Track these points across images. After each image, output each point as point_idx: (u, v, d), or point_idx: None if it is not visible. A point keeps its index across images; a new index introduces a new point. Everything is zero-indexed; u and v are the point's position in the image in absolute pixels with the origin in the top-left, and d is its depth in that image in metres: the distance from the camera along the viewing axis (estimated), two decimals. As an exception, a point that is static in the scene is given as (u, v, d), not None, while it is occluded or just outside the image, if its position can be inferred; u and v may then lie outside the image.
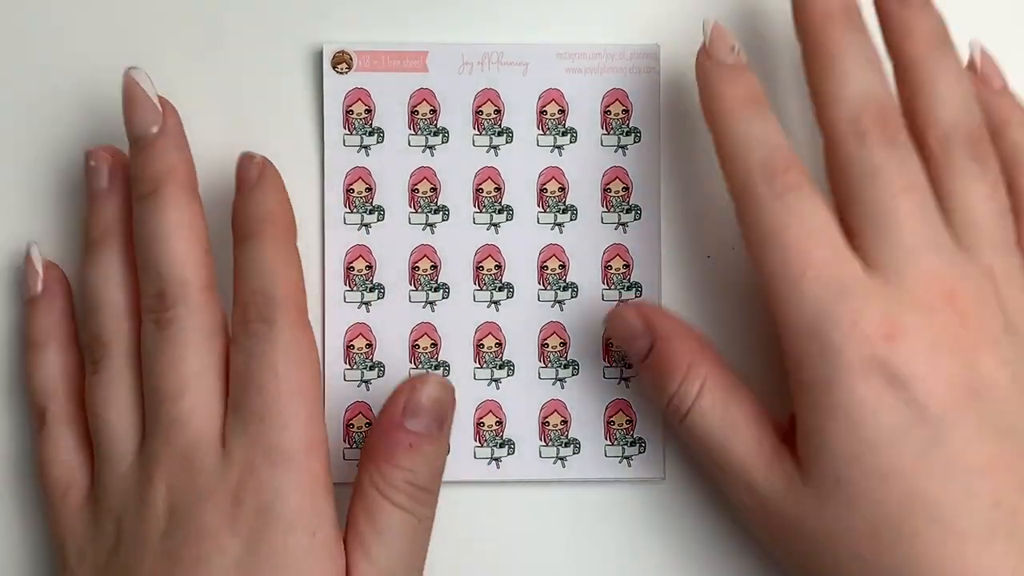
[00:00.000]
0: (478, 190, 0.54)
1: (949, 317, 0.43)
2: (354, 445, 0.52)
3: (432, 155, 0.54)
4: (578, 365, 0.54)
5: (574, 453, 0.53)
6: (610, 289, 0.53)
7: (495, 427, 0.53)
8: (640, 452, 0.53)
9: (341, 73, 0.53)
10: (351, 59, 0.53)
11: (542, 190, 0.54)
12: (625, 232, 0.54)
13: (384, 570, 0.46)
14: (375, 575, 0.45)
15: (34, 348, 0.50)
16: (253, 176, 0.48)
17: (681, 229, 0.55)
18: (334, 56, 0.53)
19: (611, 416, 0.53)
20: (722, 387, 0.47)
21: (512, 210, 0.54)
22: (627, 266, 0.54)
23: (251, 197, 0.48)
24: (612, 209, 0.54)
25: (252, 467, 0.45)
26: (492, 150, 0.54)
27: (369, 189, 0.53)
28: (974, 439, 0.42)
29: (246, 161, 0.49)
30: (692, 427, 0.47)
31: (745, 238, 0.46)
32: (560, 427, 0.53)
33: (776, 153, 0.45)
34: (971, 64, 0.50)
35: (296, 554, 0.44)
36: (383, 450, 0.46)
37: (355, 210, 0.53)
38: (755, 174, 0.45)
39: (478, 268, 0.54)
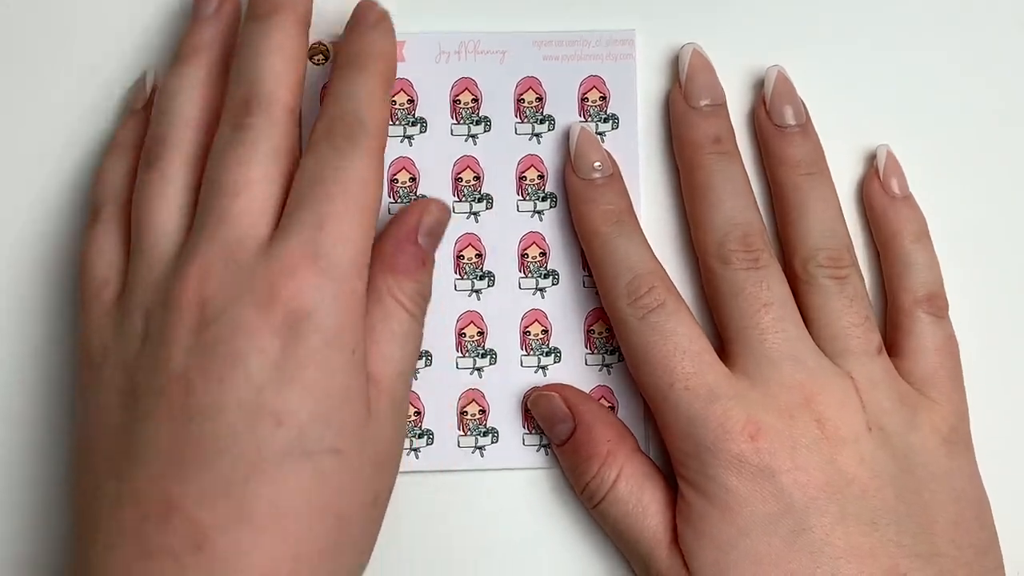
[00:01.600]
0: (457, 179, 0.54)
1: (808, 419, 0.47)
2: None
3: (411, 145, 0.54)
4: (560, 352, 0.53)
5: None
6: (590, 274, 0.53)
7: (478, 416, 0.53)
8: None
9: (317, 64, 0.53)
10: (327, 50, 0.53)
11: (521, 178, 0.54)
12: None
13: (398, 370, 0.47)
14: (391, 374, 0.46)
15: (112, 151, 0.51)
16: (371, 19, 0.49)
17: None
18: (310, 47, 0.53)
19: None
20: (638, 475, 0.50)
21: (491, 199, 0.54)
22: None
23: (367, 34, 0.49)
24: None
25: (295, 269, 0.44)
26: (470, 139, 0.54)
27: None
28: (837, 527, 0.46)
29: (367, 4, 0.49)
30: (605, 512, 0.50)
31: (623, 353, 0.50)
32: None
33: (638, 274, 0.49)
34: (875, 170, 0.53)
35: (334, 368, 0.44)
36: (401, 263, 0.47)
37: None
38: (620, 299, 0.49)
39: (458, 257, 0.54)
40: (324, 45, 0.53)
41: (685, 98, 0.52)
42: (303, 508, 0.42)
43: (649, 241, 0.52)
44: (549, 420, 0.51)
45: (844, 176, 0.54)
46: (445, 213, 0.50)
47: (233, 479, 0.42)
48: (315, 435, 0.43)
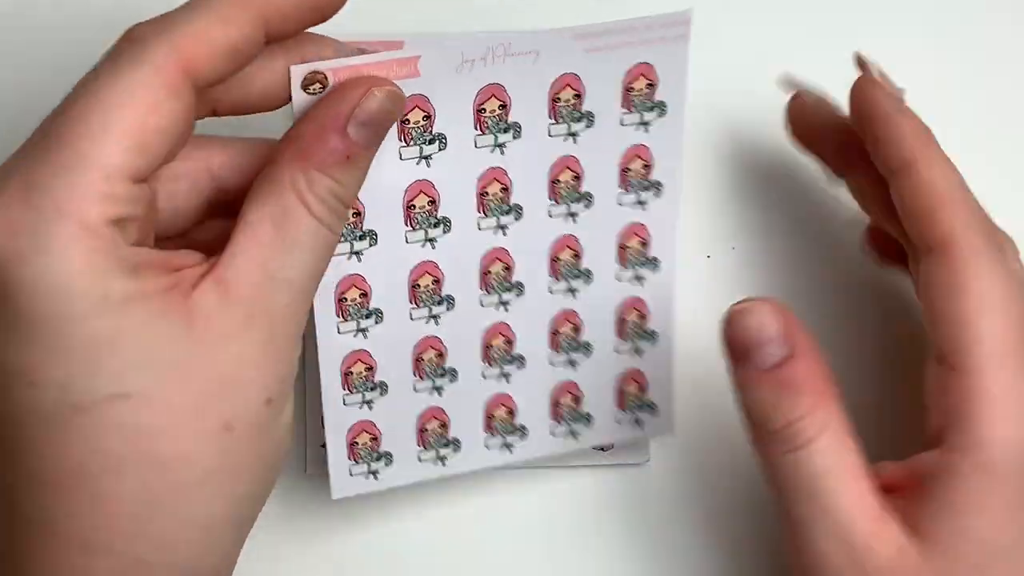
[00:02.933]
0: (483, 194, 0.46)
1: None
2: (359, 460, 0.49)
3: (428, 166, 0.45)
4: (590, 346, 0.50)
5: (586, 424, 0.51)
6: (625, 268, 0.49)
7: (506, 416, 0.50)
8: (651, 412, 0.52)
9: (313, 95, 0.42)
10: (326, 78, 0.42)
11: (554, 182, 0.47)
12: (644, 209, 0.48)
13: (283, 283, 0.40)
14: (257, 282, 0.39)
15: None
16: None
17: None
18: (305, 77, 0.42)
19: (623, 385, 0.51)
20: (844, 430, 0.42)
21: (520, 209, 0.47)
22: (644, 243, 0.48)
23: None
24: (631, 190, 0.47)
25: None
26: (497, 149, 0.46)
27: (357, 213, 0.45)
28: None
29: None
30: (799, 463, 0.42)
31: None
32: (572, 405, 0.51)
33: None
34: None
35: None
36: (317, 154, 0.40)
37: (344, 237, 0.45)
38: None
39: (486, 273, 0.47)
40: (321, 75, 0.42)
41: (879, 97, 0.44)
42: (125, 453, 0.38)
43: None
44: (757, 339, 0.42)
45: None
46: (393, 101, 0.41)
47: None
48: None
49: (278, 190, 0.40)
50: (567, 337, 0.49)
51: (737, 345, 0.42)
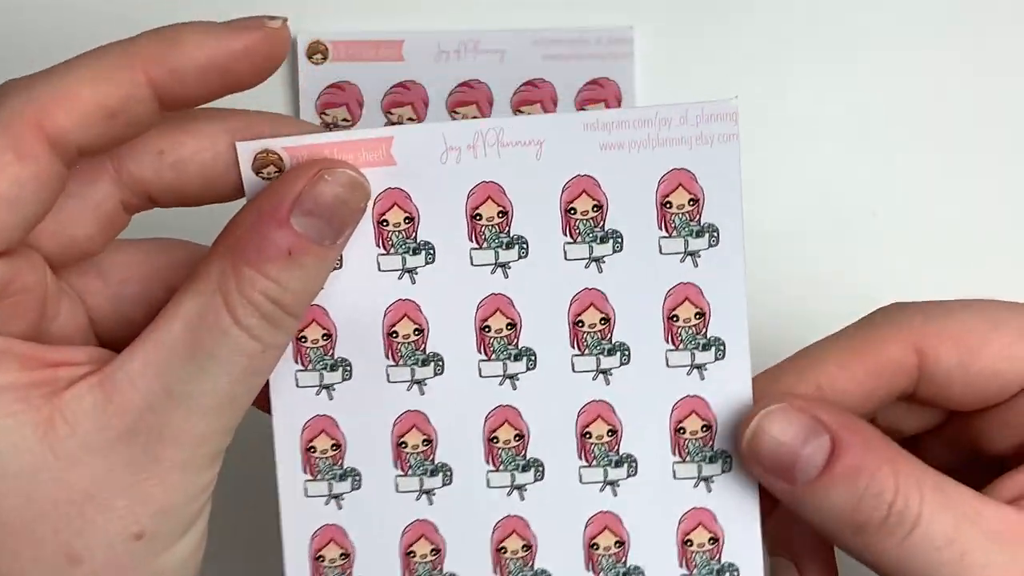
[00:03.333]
0: (483, 328, 0.37)
1: None
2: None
3: (413, 282, 0.37)
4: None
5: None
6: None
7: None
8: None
9: (267, 179, 0.36)
10: (280, 158, 0.36)
11: (576, 323, 0.37)
12: (703, 378, 0.36)
13: (183, 399, 0.33)
14: (167, 406, 0.33)
15: None
16: None
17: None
18: (256, 157, 0.36)
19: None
20: (936, 480, 0.35)
21: (534, 354, 0.37)
22: (708, 427, 0.36)
23: None
24: (681, 345, 0.36)
25: None
26: (499, 270, 0.37)
27: (328, 336, 0.37)
28: None
29: None
30: (921, 542, 0.34)
31: None
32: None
33: None
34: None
35: None
36: (251, 247, 0.33)
37: (311, 365, 0.37)
38: None
39: (491, 440, 0.37)
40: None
41: None
42: None
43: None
44: (789, 452, 0.35)
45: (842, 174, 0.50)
46: (350, 188, 0.35)
47: None
48: None
49: (201, 287, 0.34)
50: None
51: (775, 468, 0.36)
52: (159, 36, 0.34)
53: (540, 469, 0.37)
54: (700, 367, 0.37)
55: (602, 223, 0.36)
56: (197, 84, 0.34)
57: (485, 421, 0.37)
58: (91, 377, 0.34)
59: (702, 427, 0.37)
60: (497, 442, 0.37)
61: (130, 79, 0.33)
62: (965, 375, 0.36)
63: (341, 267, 0.37)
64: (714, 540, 0.37)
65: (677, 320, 0.37)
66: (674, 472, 0.37)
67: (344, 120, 0.39)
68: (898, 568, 0.35)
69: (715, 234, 0.36)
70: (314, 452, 0.37)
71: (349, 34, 0.46)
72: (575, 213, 0.36)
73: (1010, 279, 0.50)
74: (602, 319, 0.37)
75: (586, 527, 0.38)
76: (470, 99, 0.49)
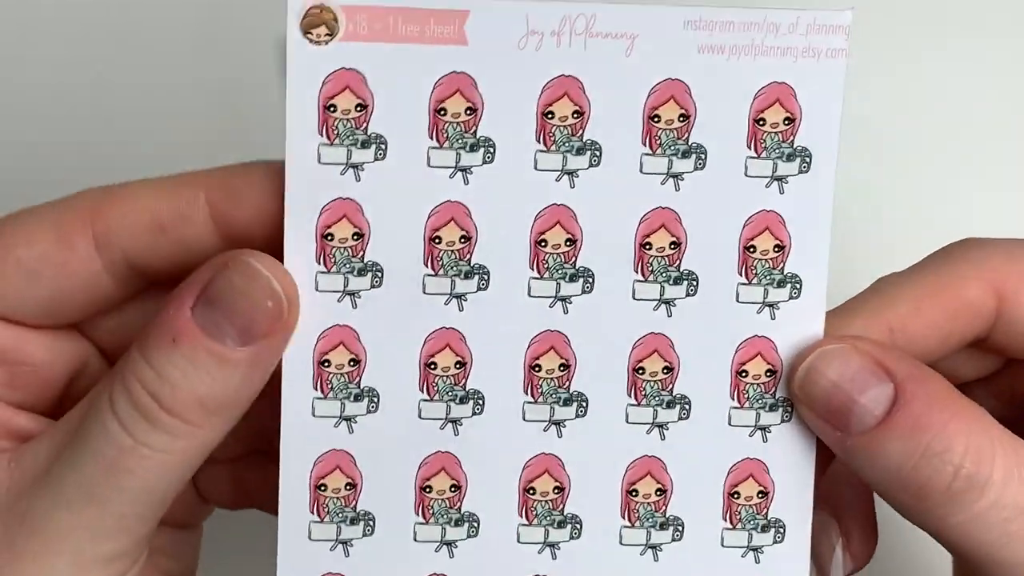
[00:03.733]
0: (539, 242, 0.32)
1: None
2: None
3: (466, 183, 0.32)
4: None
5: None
6: (743, 407, 0.33)
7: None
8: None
9: (317, 42, 0.31)
10: (335, 19, 0.31)
11: (644, 245, 0.32)
12: (773, 317, 0.33)
13: (50, 485, 0.31)
14: (36, 488, 0.31)
15: None
16: None
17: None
18: (307, 13, 0.31)
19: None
20: (1004, 436, 0.32)
21: (592, 276, 0.32)
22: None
23: None
24: (755, 280, 0.32)
25: None
26: (565, 177, 0.32)
27: (359, 235, 0.32)
28: None
29: None
30: (985, 513, 0.31)
31: None
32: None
33: None
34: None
35: None
36: (148, 327, 0.31)
37: (335, 269, 0.32)
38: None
39: (533, 368, 0.33)
40: (329, 10, 0.31)
41: None
42: None
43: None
44: (847, 389, 0.32)
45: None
46: (249, 280, 0.31)
47: None
48: None
49: (116, 366, 0.32)
50: (646, 502, 0.34)
51: (828, 412, 0.32)
52: (229, 167, 0.32)
53: (584, 404, 0.33)
54: (772, 305, 0.33)
55: (686, 135, 0.32)
56: (254, 210, 0.32)
57: (529, 346, 0.33)
58: (11, 451, 0.32)
59: (766, 371, 0.33)
60: (539, 371, 0.33)
61: (187, 196, 0.32)
62: None
63: (384, 159, 0.32)
64: (763, 494, 0.34)
65: (754, 251, 0.33)
66: (730, 418, 0.34)
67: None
68: (961, 538, 0.32)
69: (807, 159, 0.33)
70: (328, 366, 0.32)
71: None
72: (659, 121, 0.32)
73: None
74: (672, 243, 0.33)
75: (627, 471, 0.34)
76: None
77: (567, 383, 0.33)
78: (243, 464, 0.37)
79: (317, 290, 0.32)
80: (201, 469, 0.33)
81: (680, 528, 0.34)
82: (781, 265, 0.33)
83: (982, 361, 0.36)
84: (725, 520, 0.34)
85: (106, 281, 0.33)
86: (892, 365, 0.32)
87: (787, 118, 0.32)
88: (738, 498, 0.34)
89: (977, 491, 0.31)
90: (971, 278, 0.34)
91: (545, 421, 0.34)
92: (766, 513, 0.34)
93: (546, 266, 0.33)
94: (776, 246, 0.33)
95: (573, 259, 0.33)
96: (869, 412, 0.32)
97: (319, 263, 0.32)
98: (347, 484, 0.33)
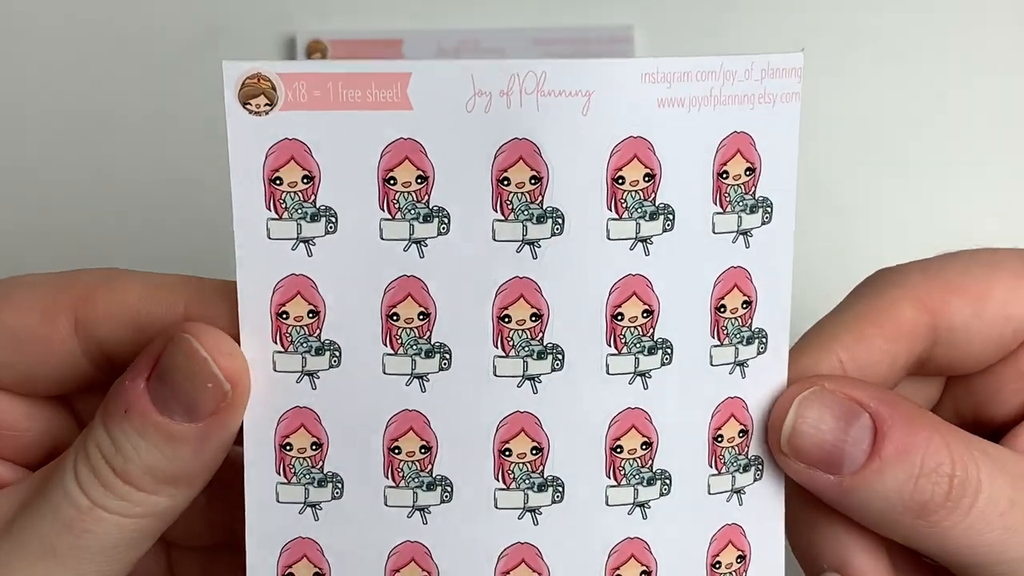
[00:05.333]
0: (502, 319, 0.30)
1: None
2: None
3: (422, 256, 0.30)
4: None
5: None
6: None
7: None
8: None
9: (257, 113, 0.30)
10: (274, 87, 0.30)
11: (615, 316, 0.30)
12: (743, 377, 0.30)
13: (15, 542, 0.31)
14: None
15: None
16: None
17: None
18: (244, 83, 0.30)
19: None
20: (979, 445, 0.33)
21: (561, 352, 0.30)
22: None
23: None
24: (726, 340, 0.30)
25: None
26: (527, 248, 0.30)
27: (315, 312, 0.30)
28: None
29: None
30: (984, 512, 0.32)
31: None
32: None
33: None
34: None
35: None
36: (107, 396, 0.31)
37: (292, 349, 0.30)
38: None
39: (503, 453, 0.31)
40: (266, 79, 0.30)
41: None
42: None
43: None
44: (833, 442, 0.31)
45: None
46: (188, 360, 0.30)
47: None
48: None
49: (85, 429, 0.32)
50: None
51: (820, 459, 0.32)
52: (209, 282, 0.33)
53: (560, 489, 0.31)
54: (742, 364, 0.31)
55: (653, 196, 0.30)
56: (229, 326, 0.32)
57: (496, 430, 0.31)
58: None
59: (739, 432, 0.31)
60: (510, 455, 0.31)
61: (169, 302, 0.32)
62: (981, 324, 0.34)
63: (335, 232, 0.31)
64: (741, 558, 0.32)
65: (724, 311, 0.31)
66: (709, 487, 0.31)
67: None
68: (967, 543, 0.32)
69: (769, 209, 0.31)
70: (290, 450, 0.31)
71: (348, 33, 0.45)
72: (623, 183, 0.30)
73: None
74: (644, 311, 0.31)
75: (609, 557, 0.31)
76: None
77: (540, 468, 0.31)
78: (214, 553, 0.36)
79: (275, 370, 0.31)
80: (174, 556, 0.35)
81: None
82: (749, 321, 0.31)
83: (926, 388, 0.36)
84: None
85: (83, 363, 0.33)
86: (861, 395, 0.32)
87: (748, 168, 0.30)
88: (719, 568, 0.32)
89: (972, 493, 0.31)
90: (901, 299, 0.34)
91: (520, 508, 0.31)
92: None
93: (511, 343, 0.31)
94: (744, 303, 0.31)
95: (540, 335, 0.31)
96: (858, 448, 0.31)
97: (276, 342, 0.31)
98: (312, 444, 0.31)
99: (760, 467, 0.32)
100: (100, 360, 0.33)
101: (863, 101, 0.51)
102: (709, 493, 0.32)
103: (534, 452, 0.31)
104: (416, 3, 0.45)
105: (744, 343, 0.31)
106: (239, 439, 0.32)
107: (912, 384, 0.36)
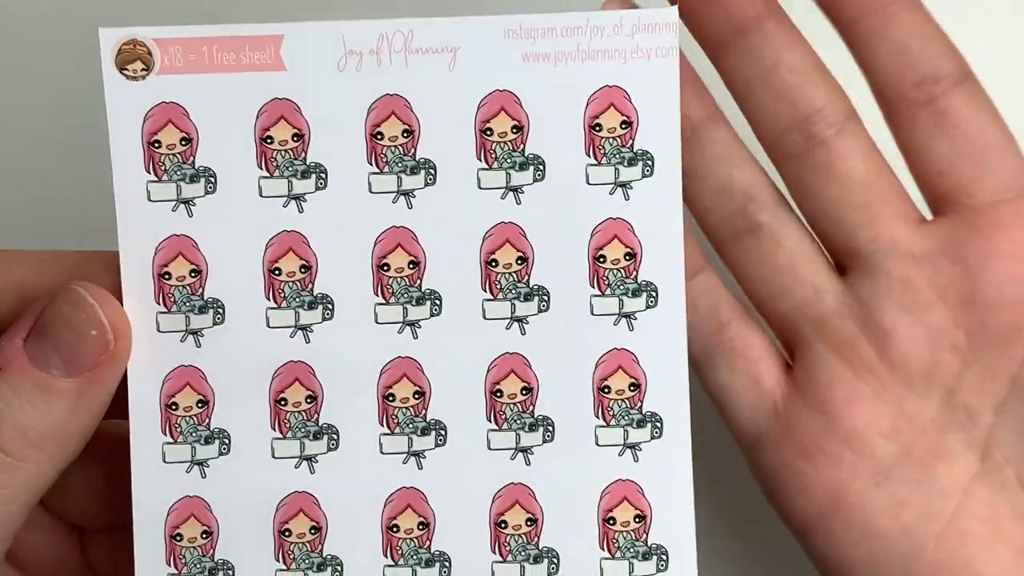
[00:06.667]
0: (382, 267, 0.31)
1: None
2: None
3: (301, 210, 0.31)
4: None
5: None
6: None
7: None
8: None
9: (134, 78, 0.31)
10: (149, 53, 0.31)
11: (489, 262, 0.31)
12: (631, 329, 0.31)
13: None
14: None
15: None
16: None
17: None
18: (120, 50, 0.30)
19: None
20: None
21: (439, 298, 0.31)
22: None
23: None
24: (608, 291, 0.31)
25: None
26: (401, 198, 0.31)
27: (196, 272, 0.31)
28: None
29: None
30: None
31: None
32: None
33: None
34: None
35: None
36: None
37: (175, 308, 0.31)
38: None
39: (386, 399, 0.32)
40: (142, 45, 0.30)
41: None
42: None
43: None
44: None
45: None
46: (76, 308, 0.30)
47: None
48: None
49: None
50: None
51: None
52: (97, 254, 0.33)
53: (442, 433, 0.32)
54: (629, 316, 0.32)
55: (522, 147, 0.32)
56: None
57: (380, 375, 0.32)
58: None
59: (629, 386, 0.32)
60: (393, 400, 0.32)
61: (54, 273, 0.32)
62: None
63: (214, 192, 0.31)
64: (640, 518, 0.32)
65: (604, 261, 0.32)
66: (597, 438, 0.32)
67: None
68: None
69: (650, 162, 0.32)
70: (174, 410, 0.32)
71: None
72: (491, 135, 0.32)
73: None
74: (519, 258, 0.32)
75: (493, 501, 0.32)
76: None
77: (423, 412, 0.32)
78: (121, 533, 0.36)
79: (159, 331, 0.32)
80: (85, 539, 0.35)
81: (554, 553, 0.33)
82: (634, 273, 0.32)
83: None
84: (603, 549, 0.33)
85: None
86: None
87: (624, 122, 0.32)
88: (613, 524, 0.32)
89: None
90: None
91: (404, 453, 0.32)
92: (646, 539, 0.33)
93: (391, 291, 0.32)
94: (627, 254, 0.32)
95: (418, 282, 0.32)
96: None
97: (159, 303, 0.32)
98: (198, 402, 0.32)
99: (659, 424, 0.33)
100: None
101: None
102: (597, 444, 0.33)
103: (416, 396, 0.32)
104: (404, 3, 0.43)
105: (629, 295, 0.32)
106: (125, 412, 0.32)
107: None
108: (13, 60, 0.45)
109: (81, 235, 0.37)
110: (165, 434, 0.32)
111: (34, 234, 0.37)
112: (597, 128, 0.32)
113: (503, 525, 0.32)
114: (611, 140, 0.32)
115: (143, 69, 0.31)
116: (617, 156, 0.32)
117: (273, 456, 0.32)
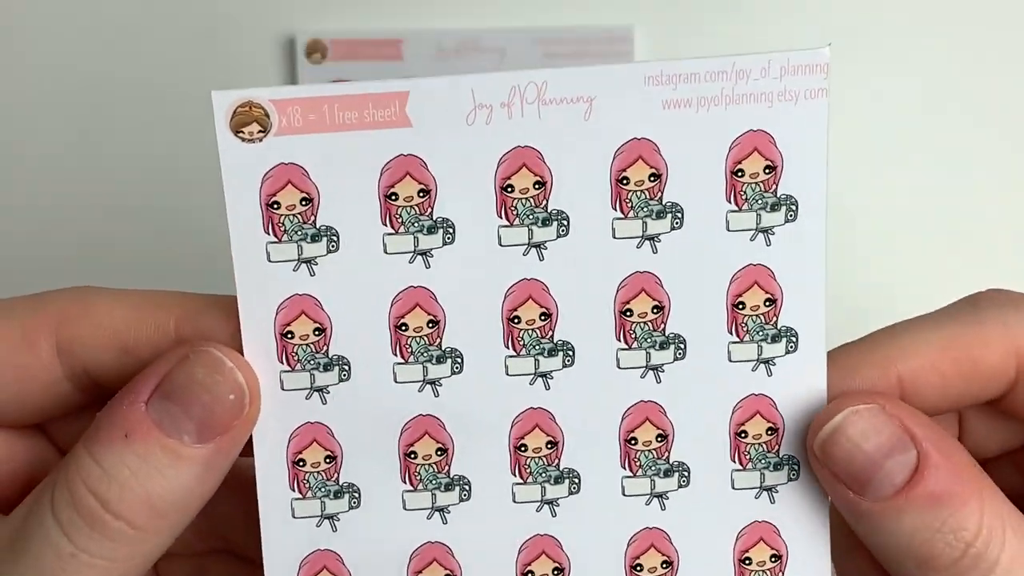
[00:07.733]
0: (512, 319, 0.30)
1: None
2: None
3: (427, 266, 0.30)
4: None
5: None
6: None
7: None
8: None
9: (250, 140, 0.29)
10: (266, 114, 0.29)
11: (624, 312, 0.30)
12: (770, 375, 0.31)
13: None
14: None
15: None
16: None
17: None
18: (235, 112, 0.29)
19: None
20: (1017, 515, 0.31)
21: (572, 349, 0.30)
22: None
23: None
24: (747, 337, 0.31)
25: None
26: (533, 251, 0.30)
27: (320, 330, 0.30)
28: None
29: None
30: None
31: None
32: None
33: None
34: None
35: None
36: (95, 424, 0.30)
37: (299, 367, 0.30)
38: None
39: (518, 449, 0.31)
40: (259, 107, 0.29)
41: None
42: None
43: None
44: (872, 457, 0.30)
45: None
46: (212, 371, 0.29)
47: None
48: None
49: (60, 463, 0.30)
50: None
51: (847, 475, 0.30)
52: (200, 297, 0.31)
53: (576, 481, 0.32)
54: (767, 362, 0.31)
55: (659, 195, 0.30)
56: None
57: (512, 426, 0.31)
58: None
59: (767, 430, 0.31)
60: (526, 450, 0.31)
61: (157, 321, 0.31)
62: None
63: (337, 251, 0.30)
64: (776, 557, 0.32)
65: (743, 308, 0.31)
66: (732, 482, 0.32)
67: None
68: None
69: (793, 207, 0.30)
70: (302, 467, 0.31)
71: (348, 32, 0.45)
72: (628, 183, 0.30)
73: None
74: (654, 307, 0.31)
75: (628, 546, 0.32)
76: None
77: (556, 461, 0.32)
78: (204, 559, 0.36)
79: (283, 389, 0.31)
80: (161, 563, 0.33)
81: None
82: (774, 319, 0.31)
83: (1005, 433, 0.34)
84: None
85: (66, 388, 0.32)
86: (918, 431, 0.30)
87: (768, 166, 0.30)
88: (749, 564, 0.32)
89: (982, 571, 0.30)
90: (995, 342, 0.31)
91: (538, 501, 0.32)
92: None
93: (522, 343, 0.31)
94: (767, 300, 0.31)
95: (550, 333, 0.31)
96: (890, 479, 0.30)
97: (282, 362, 0.30)
98: (326, 457, 0.32)
99: (796, 467, 0.32)
100: (86, 383, 0.32)
101: (863, 100, 0.50)
102: (734, 488, 0.32)
103: (549, 446, 0.32)
104: (416, 3, 0.44)
105: (768, 341, 0.31)
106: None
107: (994, 426, 0.34)
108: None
109: (179, 274, 0.36)
110: (293, 490, 0.31)
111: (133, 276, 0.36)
112: (739, 173, 0.30)
113: (638, 568, 0.32)
114: (753, 185, 0.30)
115: (260, 131, 0.29)
116: (759, 202, 0.30)
117: (404, 508, 0.32)
